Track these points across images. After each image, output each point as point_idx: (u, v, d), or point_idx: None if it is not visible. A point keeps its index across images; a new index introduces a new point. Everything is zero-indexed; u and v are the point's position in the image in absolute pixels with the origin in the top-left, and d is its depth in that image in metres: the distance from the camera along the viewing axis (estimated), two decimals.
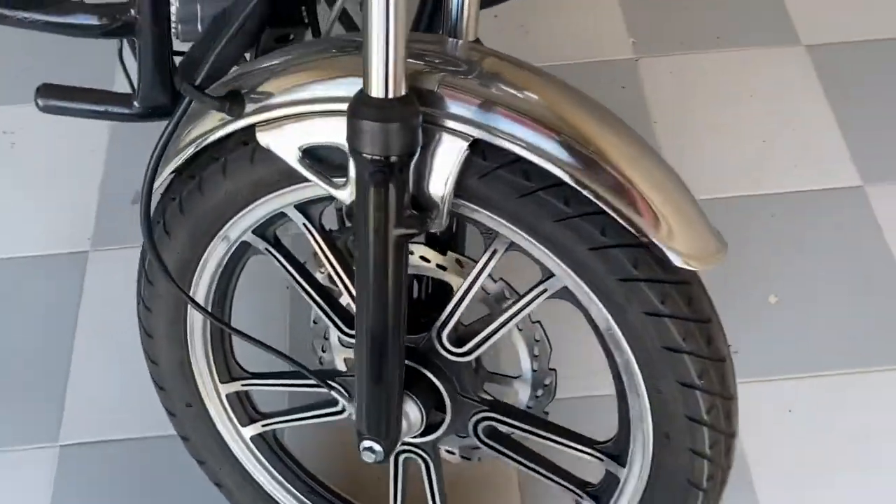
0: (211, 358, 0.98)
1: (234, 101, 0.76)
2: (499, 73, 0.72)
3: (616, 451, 0.87)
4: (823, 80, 1.62)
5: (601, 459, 0.88)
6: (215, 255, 0.90)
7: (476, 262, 0.84)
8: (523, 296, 0.83)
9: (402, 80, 0.66)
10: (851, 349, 1.32)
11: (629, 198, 0.69)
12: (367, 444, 0.85)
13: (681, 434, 0.79)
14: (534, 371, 0.93)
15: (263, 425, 1.02)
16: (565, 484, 0.92)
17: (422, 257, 0.86)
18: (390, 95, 0.66)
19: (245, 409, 1.02)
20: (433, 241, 0.88)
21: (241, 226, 0.87)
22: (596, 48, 1.67)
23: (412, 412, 0.87)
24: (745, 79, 1.64)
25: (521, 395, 0.94)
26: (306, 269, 0.91)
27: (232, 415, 1.01)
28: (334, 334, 0.99)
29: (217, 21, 0.97)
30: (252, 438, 1.03)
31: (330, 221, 0.88)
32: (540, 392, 0.94)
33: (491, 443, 0.92)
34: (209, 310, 0.94)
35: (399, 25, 0.63)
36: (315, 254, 0.91)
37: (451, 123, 0.69)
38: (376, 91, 0.66)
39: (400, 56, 0.64)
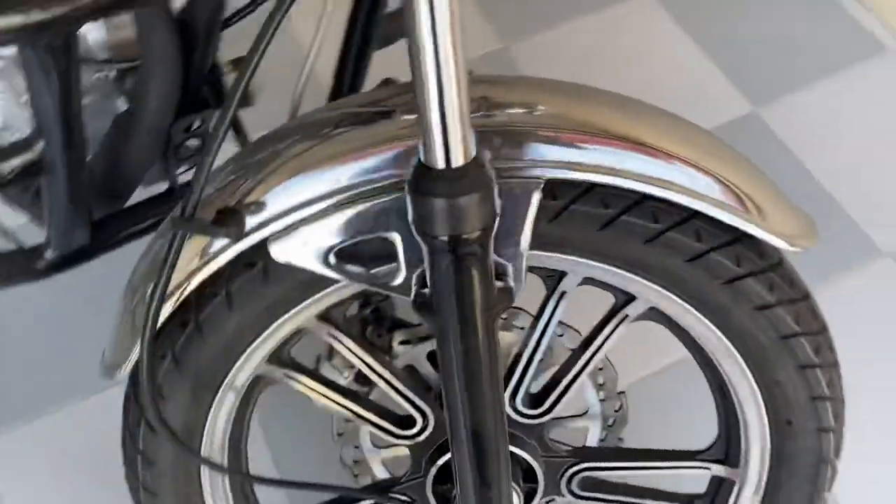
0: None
1: (230, 221, 0.61)
2: (534, 98, 0.62)
3: (721, 454, 0.81)
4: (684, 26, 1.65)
5: (708, 469, 0.82)
6: (224, 407, 0.74)
7: (526, 311, 0.75)
8: (598, 331, 0.74)
9: (472, 142, 0.54)
10: None
11: (723, 192, 0.62)
12: None
13: (804, 417, 0.74)
14: (602, 401, 0.85)
15: None
16: None
17: None
18: (460, 162, 0.54)
19: None
20: None
21: (252, 362, 0.71)
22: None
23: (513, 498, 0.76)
24: (613, 39, 1.64)
25: (592, 431, 0.86)
26: (334, 382, 0.78)
27: None
28: (366, 439, 0.86)
29: (120, 128, 0.81)
30: None
31: None
32: (612, 421, 0.87)
33: (588, 494, 0.83)
34: (225, 465, 0.78)
35: (462, 78, 0.51)
36: (327, 356, 0.78)
37: (520, 171, 0.59)
38: (443, 161, 0.54)
39: (466, 114, 0.52)
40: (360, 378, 0.79)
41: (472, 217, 0.55)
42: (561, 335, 0.78)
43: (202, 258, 0.63)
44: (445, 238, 0.56)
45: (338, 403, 0.77)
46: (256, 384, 0.76)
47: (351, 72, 0.92)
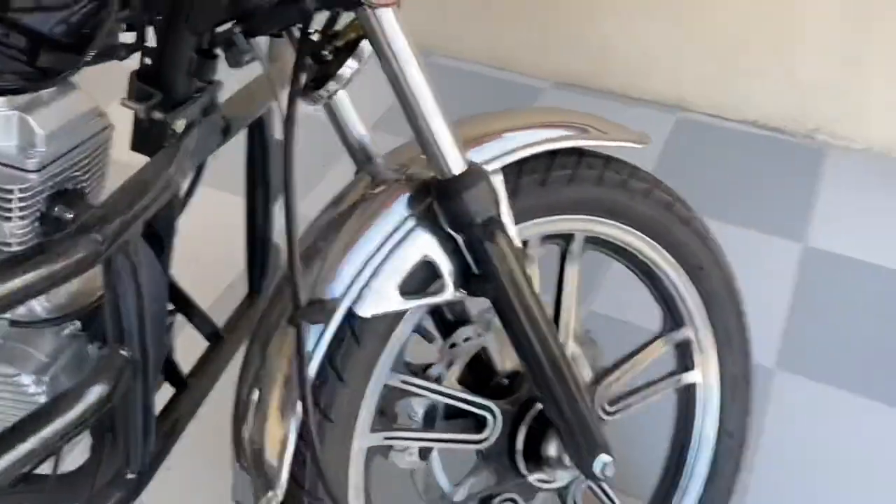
0: None
1: (322, 308, 0.78)
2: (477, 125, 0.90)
3: (672, 323, 1.09)
4: None
5: (672, 338, 1.10)
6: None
7: None
8: (561, 276, 1.00)
9: (464, 153, 0.79)
10: None
11: (578, 131, 0.94)
12: (603, 459, 0.92)
13: (705, 256, 1.06)
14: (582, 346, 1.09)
15: None
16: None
17: None
18: (462, 168, 0.79)
19: None
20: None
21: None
22: None
23: None
24: None
25: (585, 372, 1.10)
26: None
27: None
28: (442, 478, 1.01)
29: None
30: None
31: None
32: (593, 357, 1.11)
33: (616, 408, 1.06)
34: None
35: (445, 115, 0.77)
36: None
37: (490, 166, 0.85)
38: (452, 170, 0.78)
39: (456, 133, 0.78)
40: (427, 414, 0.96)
41: (488, 199, 0.80)
42: None
43: (316, 344, 0.78)
44: (479, 221, 0.79)
45: (420, 440, 0.93)
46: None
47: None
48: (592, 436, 0.92)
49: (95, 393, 0.75)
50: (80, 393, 0.74)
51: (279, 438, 0.79)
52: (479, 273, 0.83)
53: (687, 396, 1.14)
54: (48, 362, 0.94)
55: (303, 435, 0.80)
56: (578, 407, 0.91)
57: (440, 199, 0.80)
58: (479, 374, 1.02)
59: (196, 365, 1.04)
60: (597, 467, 0.93)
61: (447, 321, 1.03)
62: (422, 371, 0.97)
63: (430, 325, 1.01)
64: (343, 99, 0.88)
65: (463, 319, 1.02)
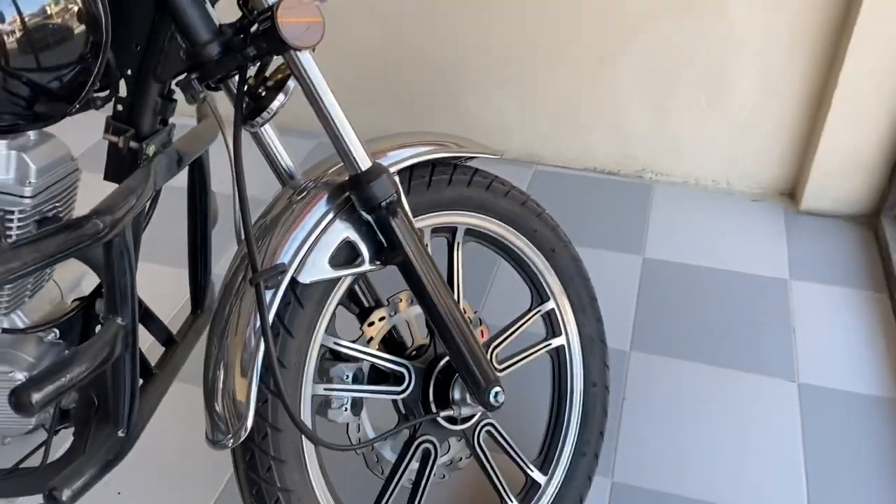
0: None
1: (274, 272, 1.03)
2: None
3: (539, 297, 1.40)
4: None
5: (539, 310, 1.40)
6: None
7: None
8: (452, 264, 1.29)
9: (368, 154, 1.08)
10: None
11: (436, 146, 1.25)
12: (495, 390, 1.18)
13: (554, 239, 1.38)
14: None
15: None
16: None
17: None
18: (368, 164, 1.08)
19: None
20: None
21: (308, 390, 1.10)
22: None
23: None
24: None
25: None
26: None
27: None
28: (368, 427, 1.24)
29: None
30: None
31: None
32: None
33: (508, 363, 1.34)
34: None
35: (347, 121, 1.06)
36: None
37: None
38: (363, 164, 1.07)
39: (362, 140, 1.07)
40: (355, 377, 1.20)
41: (390, 185, 1.08)
42: None
43: (269, 304, 1.03)
44: (384, 203, 1.07)
45: (352, 391, 1.17)
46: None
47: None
48: (486, 372, 1.19)
49: (97, 353, 0.96)
50: (85, 352, 0.95)
51: (245, 384, 1.02)
52: (387, 246, 1.11)
53: (558, 357, 1.43)
54: (35, 363, 1.14)
55: (262, 378, 1.03)
56: (473, 347, 1.18)
57: (354, 189, 1.08)
58: (392, 349, 1.29)
59: (158, 362, 1.25)
60: (491, 397, 1.20)
61: (364, 306, 1.29)
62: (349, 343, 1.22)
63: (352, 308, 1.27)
64: (270, 131, 1.15)
65: (377, 304, 1.29)
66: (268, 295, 1.04)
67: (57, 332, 1.17)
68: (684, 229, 2.21)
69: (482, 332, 1.37)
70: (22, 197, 1.06)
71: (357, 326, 1.25)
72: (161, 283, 1.90)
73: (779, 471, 1.58)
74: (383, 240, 1.12)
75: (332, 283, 1.12)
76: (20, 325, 1.16)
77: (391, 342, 1.30)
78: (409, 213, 1.13)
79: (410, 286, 1.14)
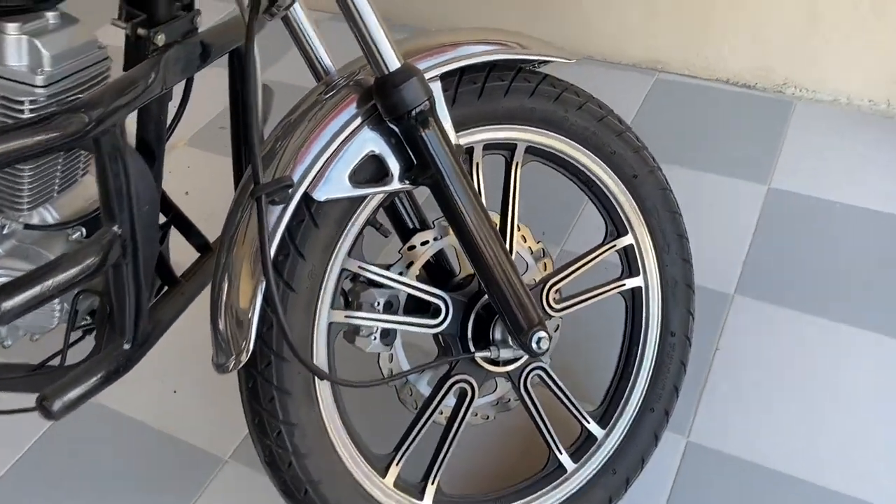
0: None
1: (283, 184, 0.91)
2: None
3: (614, 231, 1.21)
4: None
5: (614, 245, 1.21)
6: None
7: None
8: (508, 182, 1.12)
9: (398, 53, 0.93)
10: None
11: (504, 47, 1.06)
12: (538, 334, 1.04)
13: (639, 165, 1.18)
14: (531, 252, 1.22)
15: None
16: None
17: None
18: (397, 64, 0.92)
19: None
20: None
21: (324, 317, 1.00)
22: None
23: None
24: None
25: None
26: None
27: None
28: (404, 362, 1.13)
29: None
30: None
31: None
32: (544, 265, 1.23)
33: (564, 305, 1.18)
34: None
35: (380, 17, 0.90)
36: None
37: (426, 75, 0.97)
38: (388, 67, 0.92)
39: (390, 37, 0.91)
40: (388, 304, 1.09)
41: (420, 92, 0.93)
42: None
43: (276, 221, 0.92)
44: (413, 112, 0.92)
45: (382, 321, 1.05)
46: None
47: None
48: (528, 312, 1.04)
49: (88, 258, 0.89)
50: (75, 256, 0.88)
51: (247, 303, 0.92)
52: (417, 163, 0.96)
53: (633, 300, 1.25)
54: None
55: (268, 300, 0.94)
56: (514, 283, 1.03)
57: (379, 94, 0.93)
58: (435, 276, 1.15)
59: (188, 270, 1.18)
60: (533, 341, 1.05)
61: (407, 228, 1.15)
62: (385, 268, 1.10)
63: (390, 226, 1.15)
64: (301, 15, 1.01)
65: (423, 226, 1.15)
66: (276, 211, 0.93)
67: (83, 230, 1.12)
68: (824, 157, 1.90)
69: (545, 264, 1.21)
70: (33, 86, 0.99)
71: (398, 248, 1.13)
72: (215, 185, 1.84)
73: None
74: (412, 155, 0.97)
75: (356, 200, 0.99)
76: (50, 220, 1.12)
77: (436, 269, 1.17)
78: (445, 125, 0.97)
79: (443, 211, 1.00)
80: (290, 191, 0.91)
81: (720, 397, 1.45)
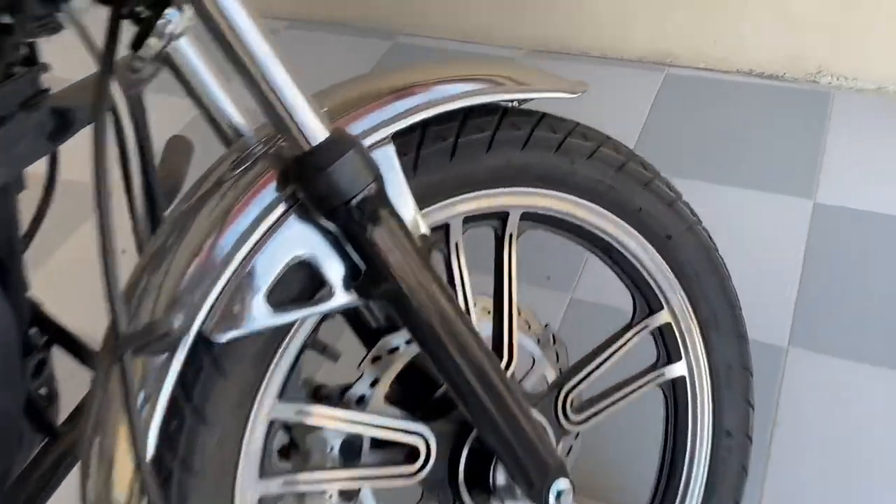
0: None
1: (161, 329, 0.61)
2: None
3: (646, 308, 0.91)
4: None
5: (646, 326, 0.92)
6: None
7: None
8: (500, 262, 0.82)
9: (324, 117, 0.62)
10: None
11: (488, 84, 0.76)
12: (559, 486, 0.74)
13: (673, 223, 0.88)
14: (538, 343, 0.91)
15: None
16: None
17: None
18: (322, 136, 0.62)
19: None
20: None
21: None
22: None
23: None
24: None
25: (549, 373, 0.92)
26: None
27: None
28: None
29: None
30: None
31: None
32: (556, 356, 0.93)
33: (587, 413, 0.88)
34: None
35: (290, 72, 0.60)
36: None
37: (369, 136, 0.67)
38: (308, 141, 0.61)
39: (311, 100, 0.61)
40: (347, 447, 0.79)
41: (361, 171, 0.62)
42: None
43: (157, 379, 0.62)
44: (351, 202, 0.62)
45: (339, 479, 0.76)
46: None
47: None
48: (541, 458, 0.74)
49: None
50: None
51: (126, 493, 0.63)
52: (367, 268, 0.66)
53: (674, 393, 0.95)
54: None
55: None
56: (519, 424, 0.73)
57: (300, 181, 0.62)
58: (409, 392, 0.85)
59: (74, 411, 0.88)
60: (552, 496, 0.75)
61: (370, 330, 0.85)
62: (339, 394, 0.80)
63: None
64: (195, 61, 0.71)
65: (389, 326, 0.85)
66: (157, 362, 0.63)
67: None
68: (875, 158, 1.59)
69: (556, 354, 0.91)
70: None
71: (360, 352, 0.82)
72: None
73: None
74: (358, 259, 0.66)
75: (281, 328, 0.69)
76: None
77: (410, 383, 0.87)
78: (403, 211, 0.66)
79: (410, 333, 0.69)
80: (170, 337, 0.61)
81: (786, 488, 1.15)
